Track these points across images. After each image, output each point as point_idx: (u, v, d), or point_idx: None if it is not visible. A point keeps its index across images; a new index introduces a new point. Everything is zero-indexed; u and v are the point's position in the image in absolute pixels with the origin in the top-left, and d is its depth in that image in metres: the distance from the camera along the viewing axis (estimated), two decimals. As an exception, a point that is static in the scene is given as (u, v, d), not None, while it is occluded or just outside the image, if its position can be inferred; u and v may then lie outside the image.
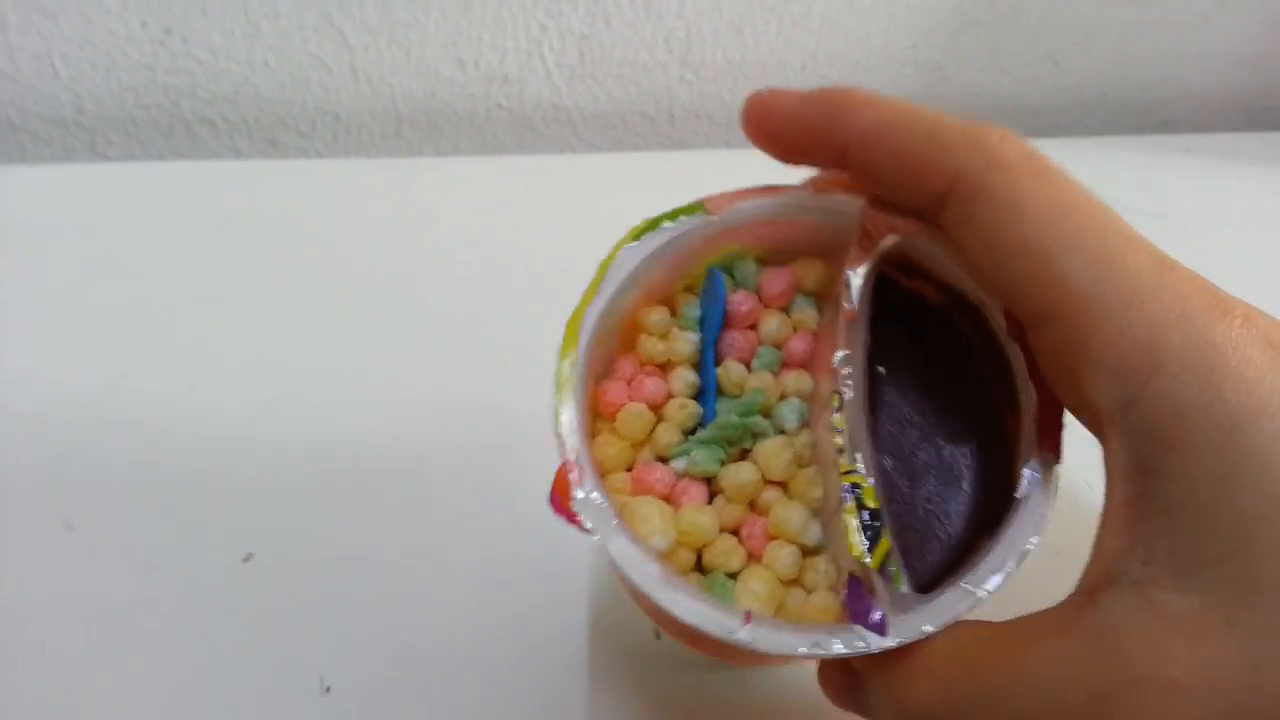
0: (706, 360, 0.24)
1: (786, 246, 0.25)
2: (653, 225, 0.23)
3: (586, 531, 0.20)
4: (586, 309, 0.23)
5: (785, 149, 0.22)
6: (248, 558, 0.32)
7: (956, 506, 0.22)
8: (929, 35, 0.55)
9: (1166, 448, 0.17)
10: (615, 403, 0.24)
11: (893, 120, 0.20)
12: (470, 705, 0.29)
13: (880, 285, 0.23)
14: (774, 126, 0.22)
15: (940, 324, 0.23)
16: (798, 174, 0.24)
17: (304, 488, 0.34)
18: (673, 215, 0.23)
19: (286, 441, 0.35)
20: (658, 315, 0.24)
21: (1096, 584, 0.18)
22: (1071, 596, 0.18)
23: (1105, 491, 0.19)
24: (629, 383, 0.24)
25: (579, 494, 0.21)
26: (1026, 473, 0.20)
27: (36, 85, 0.50)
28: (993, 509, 0.21)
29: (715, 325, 0.24)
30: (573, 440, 0.21)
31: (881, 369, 0.23)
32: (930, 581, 0.21)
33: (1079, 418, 0.19)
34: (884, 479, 0.22)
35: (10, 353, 0.38)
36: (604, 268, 0.23)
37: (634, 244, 0.23)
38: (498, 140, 0.55)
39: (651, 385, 0.24)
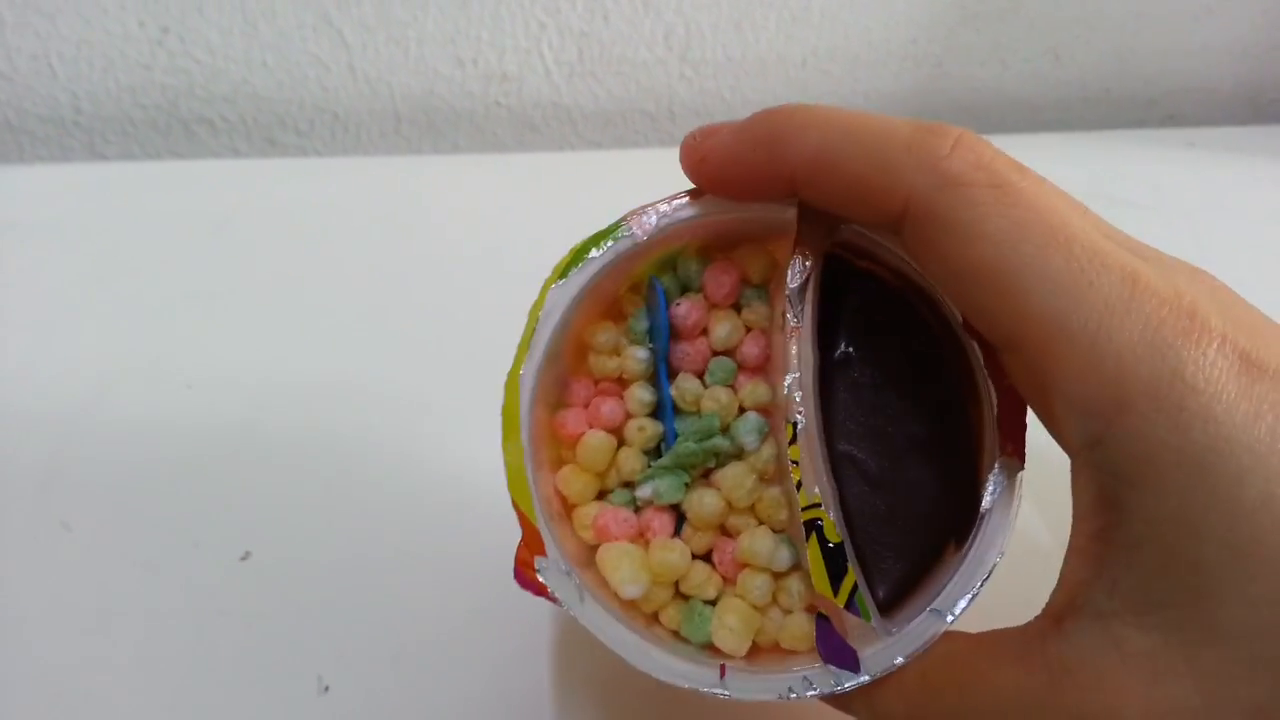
0: (660, 376, 0.23)
1: (725, 235, 0.23)
2: (577, 258, 0.22)
3: (556, 603, 0.21)
4: (521, 369, 0.22)
5: (733, 192, 0.21)
6: (245, 556, 0.32)
7: (920, 508, 0.21)
8: (929, 30, 0.54)
9: (1132, 486, 0.16)
10: (574, 433, 0.23)
11: (834, 143, 0.18)
12: (468, 704, 0.29)
13: (831, 266, 0.22)
14: (712, 172, 0.20)
15: (897, 305, 0.22)
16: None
17: (301, 487, 0.34)
18: (596, 241, 0.22)
19: (284, 440, 0.35)
20: (604, 335, 0.23)
21: (1061, 611, 0.18)
22: (1037, 620, 0.18)
23: (1073, 519, 0.19)
24: (585, 406, 0.23)
25: (542, 565, 0.21)
26: (990, 482, 0.20)
27: (34, 85, 0.50)
28: (957, 513, 0.21)
29: (664, 337, 0.23)
30: (535, 518, 0.21)
31: (840, 352, 0.22)
32: (896, 593, 0.21)
33: (1049, 431, 0.19)
34: (848, 478, 0.22)
35: (8, 352, 0.37)
36: (533, 316, 0.22)
37: (561, 282, 0.22)
38: (497, 138, 0.55)
39: (608, 409, 0.23)
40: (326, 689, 0.29)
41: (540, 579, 0.21)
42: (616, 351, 0.24)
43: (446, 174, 0.48)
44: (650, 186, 0.26)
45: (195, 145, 0.53)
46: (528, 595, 0.31)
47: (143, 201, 0.44)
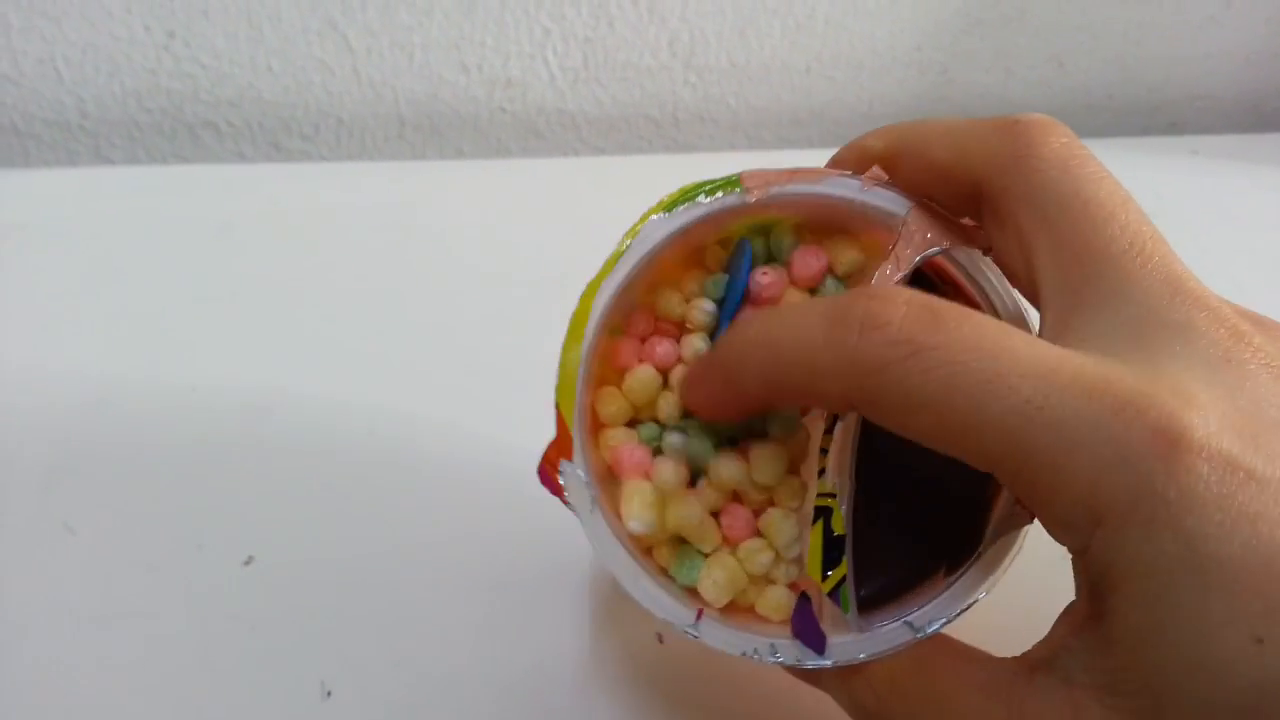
0: (720, 331, 0.23)
1: (827, 219, 0.23)
2: (687, 195, 0.22)
3: (568, 505, 0.21)
4: (603, 283, 0.22)
5: (734, 419, 0.23)
6: (248, 561, 0.32)
7: (923, 528, 0.22)
8: (934, 37, 0.54)
9: (1111, 592, 0.17)
10: (625, 364, 0.23)
11: (772, 377, 0.20)
12: (471, 710, 0.29)
13: (913, 283, 0.23)
14: (711, 415, 0.22)
15: None
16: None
17: (305, 491, 0.34)
18: (709, 188, 0.23)
19: (288, 444, 0.35)
20: (691, 280, 0.24)
21: (1036, 664, 0.19)
22: (1013, 660, 0.19)
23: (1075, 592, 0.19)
24: (643, 341, 0.24)
25: (565, 468, 0.21)
26: (995, 527, 0.21)
27: (40, 89, 0.50)
28: (956, 545, 0.21)
29: (737, 297, 0.23)
30: (572, 423, 0.22)
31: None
32: (878, 598, 0.22)
33: None
34: (866, 481, 0.22)
35: (12, 354, 0.37)
36: (627, 238, 0.22)
37: (663, 215, 0.22)
38: (501, 143, 0.55)
39: (663, 349, 0.23)
40: (329, 694, 0.29)
41: (560, 480, 0.21)
42: (686, 298, 0.24)
43: (450, 179, 0.48)
44: (655, 192, 0.26)
45: (200, 149, 0.53)
46: (530, 603, 0.31)
47: (148, 205, 0.44)
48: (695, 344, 0.23)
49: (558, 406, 0.22)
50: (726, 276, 0.24)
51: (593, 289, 0.22)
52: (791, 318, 0.20)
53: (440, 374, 0.38)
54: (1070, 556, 0.19)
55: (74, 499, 0.33)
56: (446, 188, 0.47)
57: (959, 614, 0.20)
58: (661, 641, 0.31)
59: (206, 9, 0.48)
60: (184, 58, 0.50)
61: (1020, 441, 0.17)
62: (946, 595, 0.20)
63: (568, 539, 0.33)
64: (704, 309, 0.23)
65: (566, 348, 0.22)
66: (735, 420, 0.22)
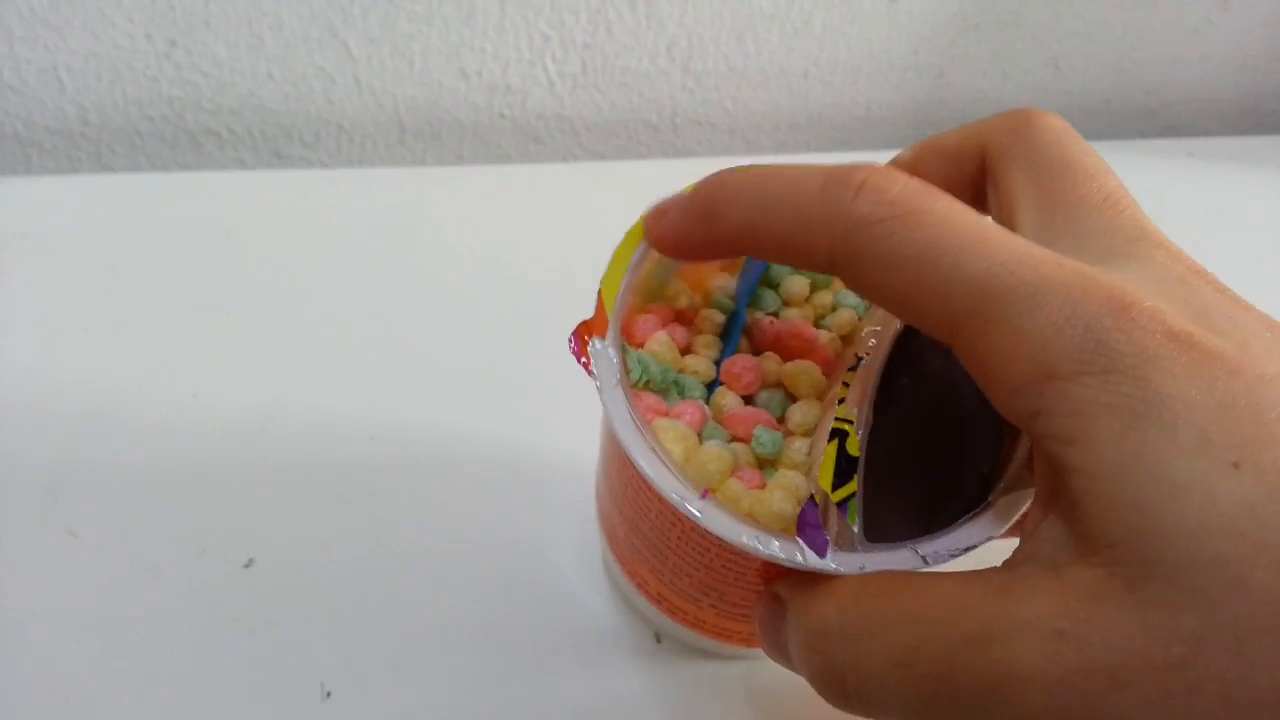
0: (739, 308, 0.25)
1: None
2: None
3: (591, 375, 0.21)
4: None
5: (691, 259, 0.23)
6: (249, 564, 0.32)
7: (935, 484, 0.22)
8: (930, 41, 0.55)
9: (1068, 444, 0.17)
10: (640, 337, 0.24)
11: (756, 214, 0.20)
12: (470, 712, 0.29)
13: None
14: (668, 249, 0.22)
15: None
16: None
17: (305, 494, 0.34)
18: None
19: (288, 449, 0.35)
20: (715, 280, 0.25)
21: (1016, 560, 0.18)
22: (991, 569, 0.19)
23: (1036, 489, 0.19)
24: (664, 326, 0.25)
25: (596, 344, 0.22)
26: (1005, 486, 0.21)
27: (42, 98, 0.50)
28: (966, 501, 0.21)
29: (753, 280, 0.25)
30: (611, 310, 0.22)
31: (906, 380, 0.23)
32: (881, 535, 0.21)
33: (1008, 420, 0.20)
34: (878, 441, 0.22)
35: (15, 360, 0.38)
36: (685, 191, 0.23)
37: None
38: (501, 149, 0.55)
39: (680, 335, 0.24)
40: (329, 695, 0.29)
41: (589, 353, 0.21)
42: (708, 300, 0.25)
43: (450, 185, 0.49)
44: (653, 197, 0.26)
45: (202, 157, 0.53)
46: (528, 605, 0.31)
47: (149, 212, 0.45)
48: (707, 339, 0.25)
49: (600, 292, 0.22)
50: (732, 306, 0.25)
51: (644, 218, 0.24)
52: (789, 169, 0.20)
53: (441, 379, 0.38)
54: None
55: (77, 504, 0.33)
56: (447, 194, 0.47)
57: (966, 550, 0.20)
58: (659, 642, 0.31)
59: (208, 18, 0.48)
60: (185, 66, 0.50)
61: (986, 299, 0.17)
62: (955, 533, 0.20)
63: (567, 543, 0.33)
64: (715, 319, 0.25)
65: (623, 245, 0.23)
66: (697, 259, 0.22)
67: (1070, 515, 0.17)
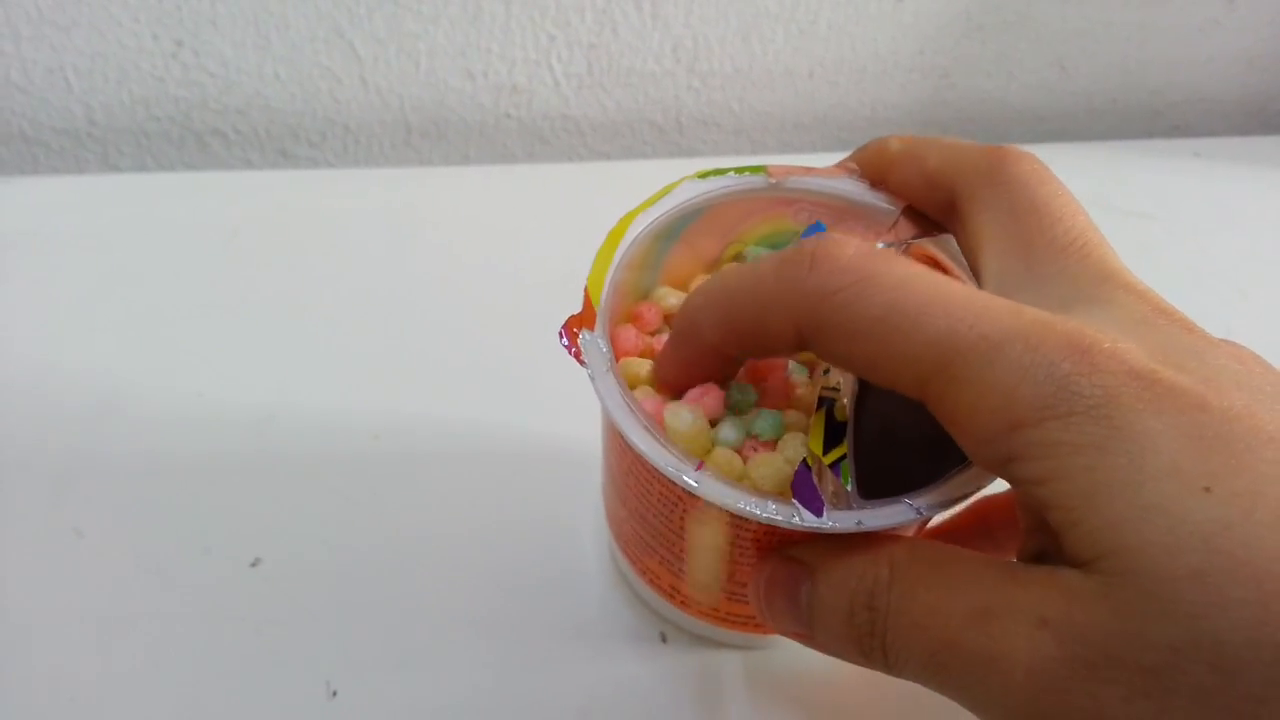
0: None
1: (831, 219, 0.26)
2: (719, 171, 0.25)
3: (582, 364, 0.22)
4: (642, 213, 0.25)
5: (698, 381, 0.24)
6: (255, 563, 0.32)
7: (923, 459, 0.22)
8: (935, 41, 0.55)
9: (1040, 485, 0.17)
10: (624, 349, 0.25)
11: (726, 317, 0.21)
12: (476, 710, 0.29)
13: None
14: (674, 383, 0.24)
15: None
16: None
17: (312, 493, 0.34)
18: (738, 170, 0.25)
19: (295, 447, 0.35)
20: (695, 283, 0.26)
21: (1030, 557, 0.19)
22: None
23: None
24: (651, 334, 0.25)
25: (585, 336, 0.22)
26: None
27: (49, 98, 0.50)
28: (955, 463, 0.22)
29: None
30: (598, 304, 0.23)
31: None
32: (873, 494, 0.21)
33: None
34: (869, 411, 0.23)
35: (22, 359, 0.38)
36: (664, 192, 0.25)
37: (699, 180, 0.25)
38: (507, 149, 0.55)
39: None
40: (335, 694, 0.29)
41: (579, 343, 0.22)
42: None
43: (457, 185, 0.49)
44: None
45: (208, 157, 0.54)
46: (533, 603, 0.31)
47: (156, 212, 0.45)
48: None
49: (587, 289, 0.23)
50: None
51: (634, 214, 0.25)
52: (746, 266, 0.21)
53: (446, 378, 0.38)
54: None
55: (82, 503, 0.33)
56: (452, 193, 0.47)
57: (960, 500, 0.20)
58: (665, 640, 0.31)
59: (214, 18, 0.48)
60: (192, 66, 0.50)
61: (949, 356, 0.18)
62: (946, 485, 0.20)
63: (573, 541, 0.33)
64: None
65: (605, 246, 0.24)
66: (702, 380, 0.23)
67: (1051, 545, 0.18)
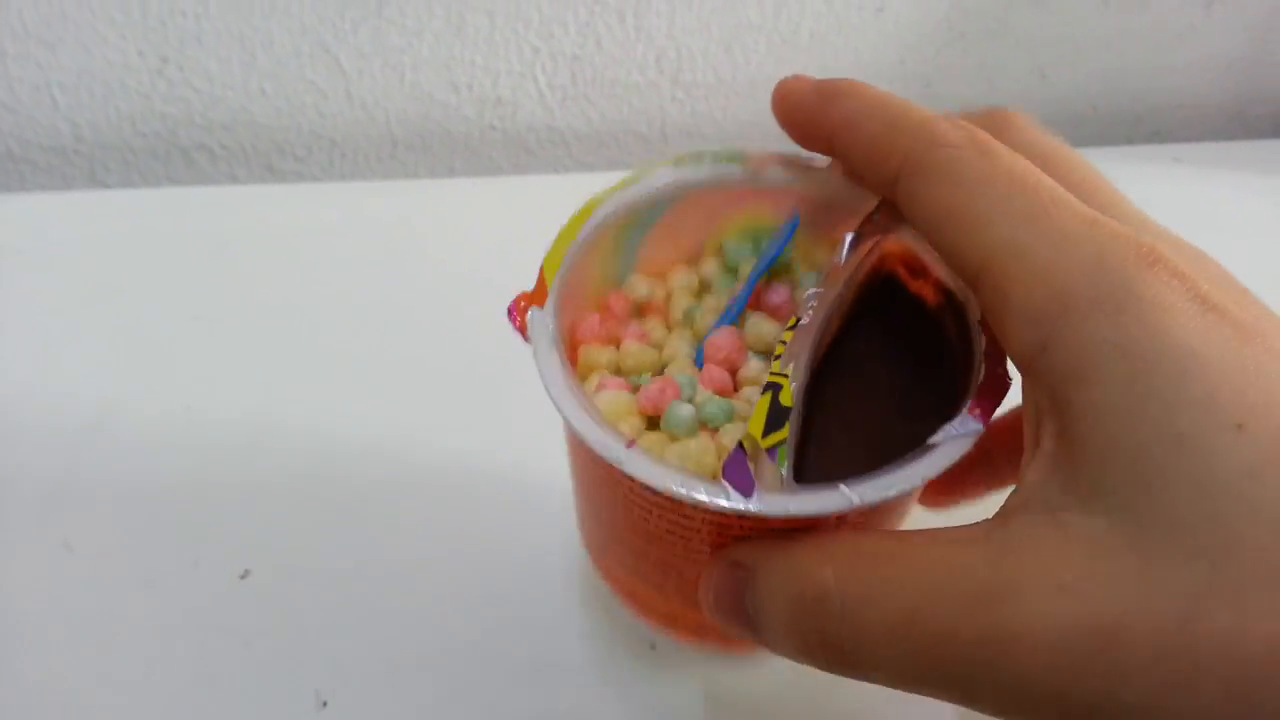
0: (746, 290, 0.25)
1: (807, 213, 0.26)
2: (696, 157, 0.25)
3: (526, 340, 0.22)
4: (612, 196, 0.24)
5: (795, 131, 0.24)
6: (245, 575, 0.32)
7: (873, 443, 0.22)
8: (916, 50, 0.55)
9: (1077, 383, 0.17)
10: (582, 339, 0.25)
11: (864, 108, 0.22)
12: None
13: (887, 287, 0.24)
14: (786, 108, 0.23)
15: (930, 324, 0.24)
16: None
17: (301, 505, 0.34)
18: (715, 156, 0.25)
19: (283, 460, 0.35)
20: (679, 277, 0.26)
21: (1010, 510, 0.18)
22: (984, 521, 0.19)
23: (1025, 430, 0.19)
24: (607, 328, 0.25)
25: (534, 313, 0.22)
26: (948, 427, 0.20)
27: (35, 115, 0.50)
28: (903, 452, 0.21)
29: (767, 263, 0.25)
30: (551, 285, 0.23)
31: (859, 340, 0.24)
32: (814, 480, 0.21)
33: (1009, 356, 0.20)
34: (820, 400, 0.23)
35: (10, 375, 0.38)
36: (634, 178, 0.25)
37: (674, 167, 0.25)
38: (492, 161, 0.56)
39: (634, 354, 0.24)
40: (324, 705, 0.29)
41: (526, 319, 0.22)
42: (669, 293, 0.26)
43: (443, 197, 0.49)
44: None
45: (194, 172, 0.54)
46: (522, 612, 0.31)
47: (143, 228, 0.45)
48: (678, 346, 0.25)
49: (543, 268, 0.23)
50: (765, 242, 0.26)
51: (600, 197, 0.24)
52: (906, 101, 0.22)
53: (433, 390, 0.38)
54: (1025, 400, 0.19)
55: (72, 517, 0.33)
56: (439, 206, 0.48)
57: (897, 494, 0.20)
58: (653, 649, 0.31)
59: (200, 34, 0.49)
60: (178, 82, 0.50)
61: (1029, 229, 0.18)
62: (886, 476, 0.20)
63: (561, 552, 0.33)
64: (685, 340, 0.25)
65: (568, 226, 0.24)
66: (807, 145, 0.23)
67: (1072, 456, 0.17)
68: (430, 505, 0.34)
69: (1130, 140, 0.61)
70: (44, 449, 0.35)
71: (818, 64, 0.55)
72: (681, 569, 0.24)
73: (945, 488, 0.27)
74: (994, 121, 0.22)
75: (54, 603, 0.31)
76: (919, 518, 0.25)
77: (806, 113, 0.23)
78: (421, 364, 0.39)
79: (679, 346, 0.25)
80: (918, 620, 0.17)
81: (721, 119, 0.56)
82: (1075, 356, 0.17)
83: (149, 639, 0.31)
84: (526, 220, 0.47)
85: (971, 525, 0.18)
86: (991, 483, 0.26)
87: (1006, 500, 0.19)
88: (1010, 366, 0.20)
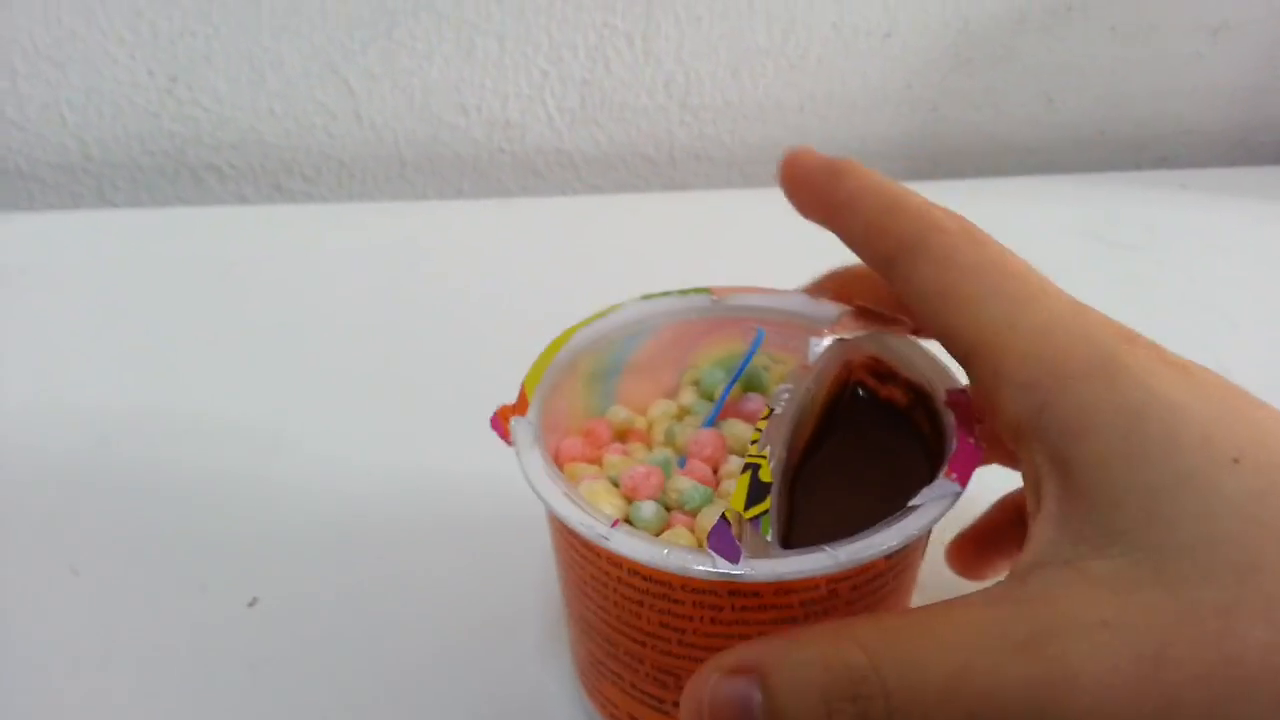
0: (719, 401, 0.26)
1: (780, 335, 0.27)
2: (663, 294, 0.27)
3: (509, 443, 0.23)
4: (589, 324, 0.26)
5: (798, 200, 0.25)
6: (253, 603, 0.32)
7: (852, 527, 0.22)
8: (924, 75, 0.55)
9: (1076, 440, 0.18)
10: (569, 457, 0.26)
11: (866, 189, 0.23)
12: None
13: (858, 395, 0.26)
14: (793, 179, 0.25)
15: (901, 421, 0.25)
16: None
17: (309, 532, 0.34)
18: (681, 291, 0.27)
19: (292, 485, 0.35)
20: (657, 408, 0.27)
21: (1026, 571, 0.18)
22: (1000, 582, 0.19)
23: (1027, 495, 0.20)
24: (591, 449, 0.26)
25: (515, 420, 0.23)
26: (927, 490, 0.21)
27: (44, 133, 0.50)
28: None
29: (736, 375, 0.27)
30: (531, 397, 0.24)
31: (833, 440, 0.25)
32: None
33: (1000, 430, 0.20)
34: (806, 500, 0.23)
35: (18, 396, 0.38)
36: (607, 310, 0.26)
37: (643, 302, 0.26)
38: (501, 183, 0.56)
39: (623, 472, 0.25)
40: (333, 733, 0.29)
41: (510, 427, 0.23)
42: (650, 422, 0.27)
43: (451, 219, 0.49)
44: (651, 229, 0.26)
45: (203, 192, 0.54)
46: (524, 644, 0.31)
47: (151, 247, 0.45)
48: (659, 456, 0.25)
49: (524, 385, 0.24)
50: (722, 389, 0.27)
51: (576, 327, 0.26)
52: (907, 189, 0.23)
53: (442, 412, 0.38)
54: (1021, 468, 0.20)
55: (78, 540, 0.33)
56: (447, 227, 0.48)
57: (881, 553, 0.20)
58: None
59: (209, 54, 0.49)
60: (186, 101, 0.50)
61: (1015, 316, 0.20)
62: (870, 538, 0.20)
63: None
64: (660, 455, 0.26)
65: (545, 352, 0.25)
66: (809, 215, 0.25)
67: (1079, 508, 0.18)
68: (441, 532, 0.34)
69: (1137, 166, 0.61)
70: (50, 470, 0.35)
71: (825, 89, 0.55)
72: (679, 673, 0.23)
73: (982, 554, 0.29)
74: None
75: (59, 627, 0.31)
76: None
77: (813, 188, 0.24)
78: (430, 386, 0.39)
79: (661, 453, 0.26)
80: (966, 678, 0.17)
81: (729, 142, 0.56)
82: (1073, 417, 0.18)
83: (155, 665, 0.30)
84: (535, 242, 0.47)
85: (986, 589, 0.18)
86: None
87: (1018, 560, 0.19)
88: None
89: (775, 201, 0.25)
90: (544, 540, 0.33)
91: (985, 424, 0.22)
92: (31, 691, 0.30)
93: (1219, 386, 0.19)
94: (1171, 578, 0.16)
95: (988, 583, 0.23)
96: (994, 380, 0.20)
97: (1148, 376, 0.18)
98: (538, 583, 0.33)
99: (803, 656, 0.18)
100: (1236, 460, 0.17)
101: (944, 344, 0.21)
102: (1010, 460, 0.24)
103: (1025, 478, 0.20)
